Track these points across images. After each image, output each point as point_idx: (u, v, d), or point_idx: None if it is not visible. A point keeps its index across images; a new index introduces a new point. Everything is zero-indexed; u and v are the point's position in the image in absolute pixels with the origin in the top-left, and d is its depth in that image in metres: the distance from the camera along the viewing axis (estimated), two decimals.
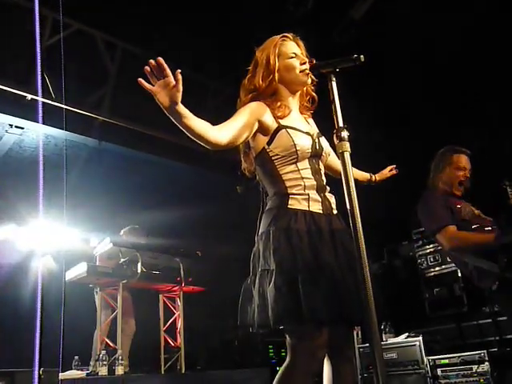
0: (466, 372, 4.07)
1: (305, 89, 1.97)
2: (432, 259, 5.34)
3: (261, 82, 1.88)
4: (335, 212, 1.83)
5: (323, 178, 1.87)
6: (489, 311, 4.40)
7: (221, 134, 1.67)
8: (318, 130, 2.00)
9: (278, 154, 1.80)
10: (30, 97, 4.26)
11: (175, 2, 4.40)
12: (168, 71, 1.45)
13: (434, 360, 4.26)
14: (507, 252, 2.39)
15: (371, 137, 4.76)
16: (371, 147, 4.47)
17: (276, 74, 1.88)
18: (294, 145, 1.78)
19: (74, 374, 3.95)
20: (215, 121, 1.69)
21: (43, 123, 4.42)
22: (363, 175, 2.34)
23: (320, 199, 1.79)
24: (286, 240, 1.66)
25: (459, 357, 4.16)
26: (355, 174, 2.27)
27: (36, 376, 2.66)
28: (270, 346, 6.28)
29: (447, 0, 4.20)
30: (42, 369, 2.72)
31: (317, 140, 1.88)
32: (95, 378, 4.01)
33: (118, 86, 4.84)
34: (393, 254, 5.96)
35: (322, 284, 1.59)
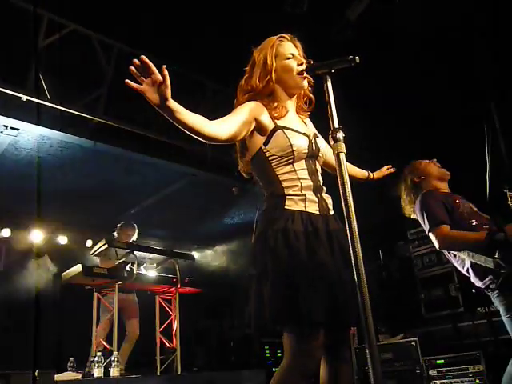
0: (461, 372, 4.09)
1: None
2: (428, 260, 5.35)
3: (258, 82, 1.88)
4: (332, 212, 1.84)
5: (320, 178, 1.87)
6: (484, 312, 4.41)
7: (221, 128, 1.67)
8: (315, 131, 2.00)
9: (274, 155, 1.80)
10: (25, 98, 4.23)
11: (171, 3, 4.39)
12: (153, 68, 1.44)
13: (429, 360, 4.27)
14: (500, 249, 2.40)
15: (368, 137, 4.76)
16: (369, 147, 4.47)
17: (273, 75, 1.87)
18: (291, 145, 1.78)
19: (69, 375, 3.93)
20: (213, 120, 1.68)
21: (38, 124, 4.42)
22: (361, 172, 2.34)
23: (317, 200, 1.79)
24: (283, 241, 1.66)
25: (455, 357, 4.17)
26: (353, 171, 2.27)
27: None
28: (266, 347, 6.28)
29: (442, 5, 4.21)
30: (37, 370, 2.72)
31: (313, 140, 1.88)
32: (90, 380, 4.00)
33: (114, 87, 4.82)
34: (388, 255, 5.97)
35: (319, 285, 1.59)
